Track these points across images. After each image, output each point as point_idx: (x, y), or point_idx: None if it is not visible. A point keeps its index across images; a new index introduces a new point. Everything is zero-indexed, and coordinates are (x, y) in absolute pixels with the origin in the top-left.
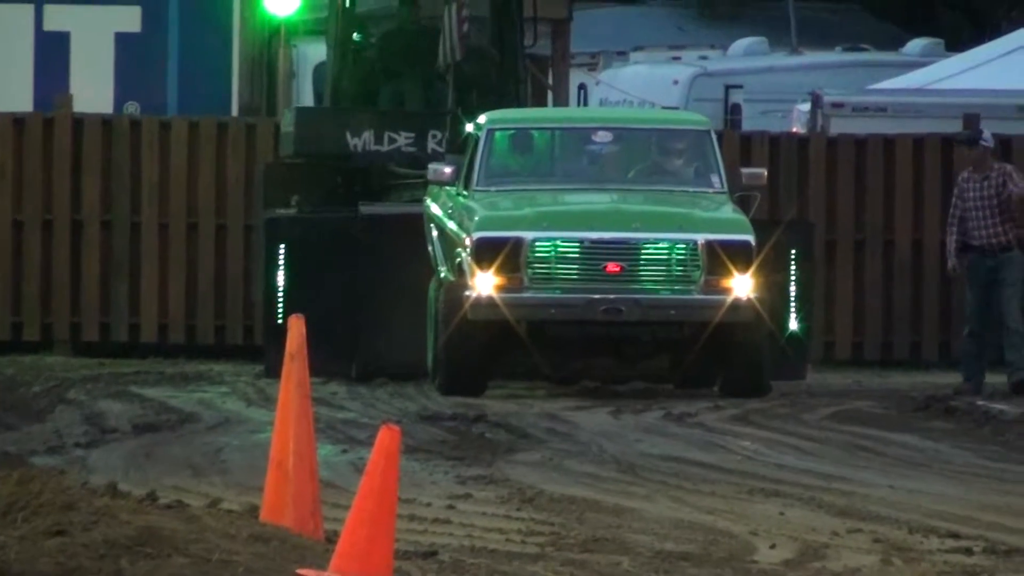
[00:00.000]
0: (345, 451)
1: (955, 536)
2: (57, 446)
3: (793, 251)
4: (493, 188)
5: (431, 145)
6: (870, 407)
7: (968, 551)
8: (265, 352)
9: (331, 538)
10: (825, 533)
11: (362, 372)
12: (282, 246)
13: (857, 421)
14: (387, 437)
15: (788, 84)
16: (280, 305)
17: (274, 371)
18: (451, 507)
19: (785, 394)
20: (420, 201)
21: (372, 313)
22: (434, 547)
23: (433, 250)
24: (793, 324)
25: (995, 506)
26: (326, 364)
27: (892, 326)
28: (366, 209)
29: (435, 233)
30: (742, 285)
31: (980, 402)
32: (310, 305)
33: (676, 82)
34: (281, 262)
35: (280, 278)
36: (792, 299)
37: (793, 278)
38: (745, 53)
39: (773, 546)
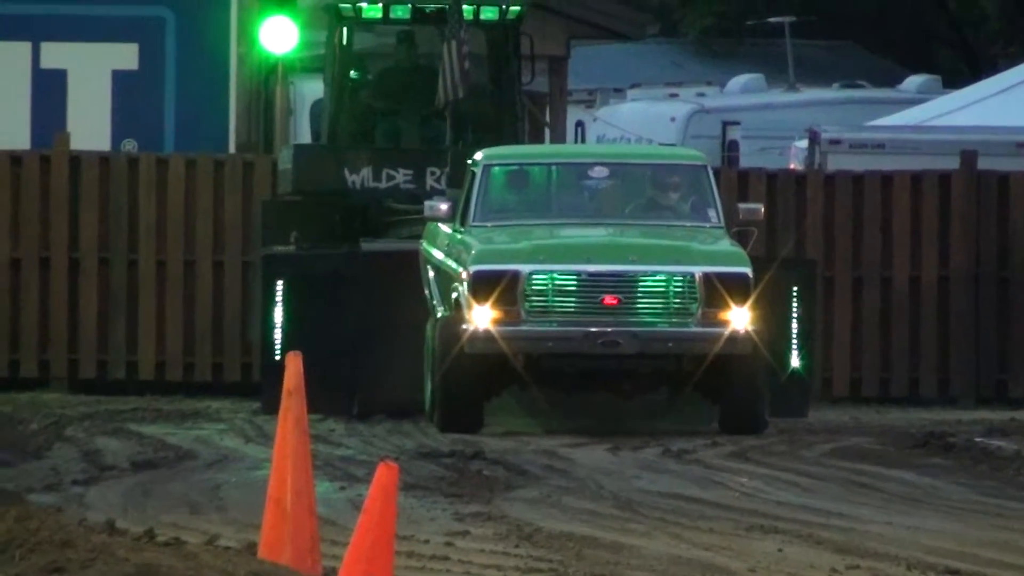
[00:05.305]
0: (343, 488)
1: (953, 572)
2: (55, 483)
3: (795, 289)
4: (490, 223)
5: (430, 182)
6: (868, 443)
7: None
8: (263, 389)
9: (329, 575)
10: (824, 570)
11: (360, 409)
12: (280, 283)
13: (855, 457)
14: (385, 474)
15: (785, 121)
16: (278, 342)
17: (272, 408)
18: (449, 544)
19: (783, 431)
20: (419, 237)
21: (370, 350)
22: None
23: (429, 291)
24: (795, 362)
25: (993, 542)
26: (324, 401)
27: (890, 363)
28: (368, 246)
29: (431, 274)
30: (740, 318)
31: (978, 439)
32: (308, 342)
33: (673, 119)
34: (279, 299)
35: (278, 315)
36: (794, 337)
37: (795, 316)
38: (742, 90)
39: None
